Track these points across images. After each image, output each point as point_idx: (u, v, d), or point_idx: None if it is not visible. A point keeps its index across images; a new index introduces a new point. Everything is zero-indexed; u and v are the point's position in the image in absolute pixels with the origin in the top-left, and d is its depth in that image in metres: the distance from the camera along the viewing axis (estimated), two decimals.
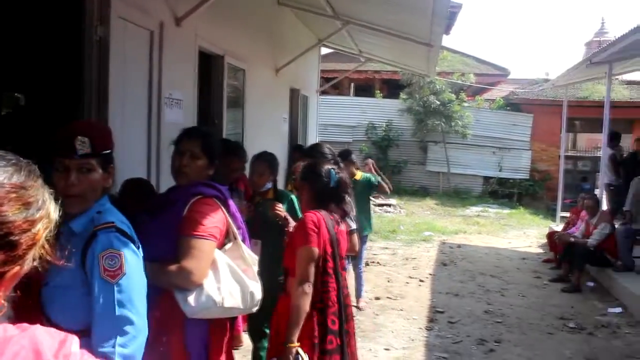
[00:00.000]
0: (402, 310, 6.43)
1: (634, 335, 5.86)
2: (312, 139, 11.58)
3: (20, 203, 0.98)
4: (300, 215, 3.47)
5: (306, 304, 2.77)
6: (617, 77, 16.86)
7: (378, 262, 8.71)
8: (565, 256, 8.11)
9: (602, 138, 9.72)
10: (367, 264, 8.47)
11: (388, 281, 7.65)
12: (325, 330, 2.83)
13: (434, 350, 5.26)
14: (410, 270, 8.31)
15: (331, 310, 2.85)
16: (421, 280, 7.76)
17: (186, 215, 2.42)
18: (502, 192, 17.27)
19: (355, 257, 6.14)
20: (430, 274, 8.16)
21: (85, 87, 3.75)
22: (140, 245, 1.98)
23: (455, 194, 17.04)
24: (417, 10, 6.28)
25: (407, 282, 7.65)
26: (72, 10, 3.92)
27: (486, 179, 17.58)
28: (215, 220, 2.46)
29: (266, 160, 4.30)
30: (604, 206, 9.81)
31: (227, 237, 2.56)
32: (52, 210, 1.05)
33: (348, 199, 3.13)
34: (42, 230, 1.02)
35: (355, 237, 3.75)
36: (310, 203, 3.05)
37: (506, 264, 9.20)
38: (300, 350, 2.71)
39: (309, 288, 2.79)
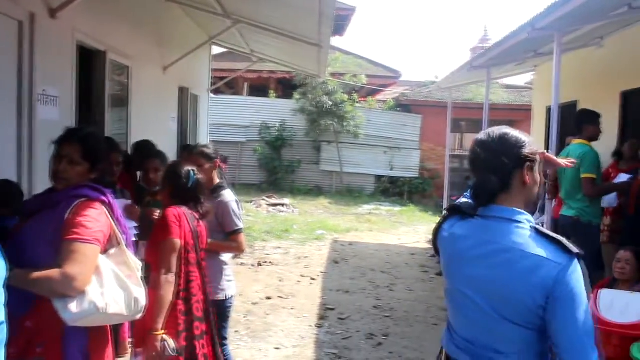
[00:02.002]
0: (293, 309, 6.45)
1: None
2: (203, 138, 11.37)
3: None
4: None
5: (170, 294, 2.95)
6: (497, 80, 17.93)
7: (270, 262, 8.69)
8: None
9: None
10: (259, 264, 8.45)
11: (280, 280, 7.65)
12: (191, 317, 3.04)
13: (324, 347, 5.32)
14: (302, 269, 8.37)
15: (195, 298, 3.07)
16: (313, 279, 7.83)
17: (69, 218, 2.30)
18: (393, 190, 17.85)
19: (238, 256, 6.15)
20: (322, 272, 8.26)
21: None
22: None
23: (349, 193, 17.40)
24: (305, 11, 6.32)
25: (299, 281, 7.69)
26: None
27: (378, 177, 18.09)
28: (100, 224, 2.36)
29: (161, 160, 4.30)
30: None
31: (111, 242, 2.47)
32: None
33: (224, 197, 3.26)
34: None
35: (242, 236, 3.77)
36: (170, 201, 3.22)
37: (396, 259, 9.49)
38: (166, 337, 2.88)
39: (172, 278, 2.97)
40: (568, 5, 5.25)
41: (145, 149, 5.00)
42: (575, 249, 1.76)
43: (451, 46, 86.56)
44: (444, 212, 2.09)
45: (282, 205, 14.51)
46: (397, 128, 18.22)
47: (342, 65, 18.76)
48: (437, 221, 2.06)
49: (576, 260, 1.76)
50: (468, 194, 2.09)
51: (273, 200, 14.80)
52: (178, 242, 3.02)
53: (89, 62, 5.82)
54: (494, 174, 1.86)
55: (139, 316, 2.50)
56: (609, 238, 6.05)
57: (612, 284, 4.06)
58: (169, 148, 8.32)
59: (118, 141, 5.30)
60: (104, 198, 2.44)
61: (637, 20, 7.43)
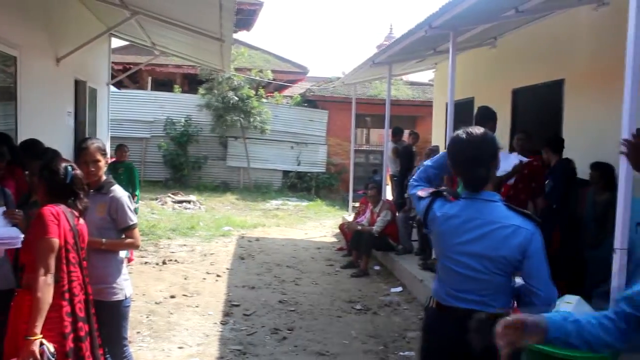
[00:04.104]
0: (197, 306, 6.34)
1: (410, 310, 6.46)
2: (103, 134, 10.94)
3: None
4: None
5: (49, 295, 2.79)
6: (401, 77, 18.45)
7: (175, 260, 8.50)
8: (353, 243, 8.66)
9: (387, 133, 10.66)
10: (164, 263, 8.26)
11: (185, 278, 7.50)
12: (75, 318, 2.92)
13: (229, 344, 5.27)
14: (208, 266, 8.25)
15: (77, 299, 2.96)
16: (218, 276, 7.74)
17: None
18: (301, 186, 17.95)
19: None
20: (228, 269, 8.18)
21: None
22: None
23: (256, 189, 17.33)
24: (206, 4, 6.22)
25: (204, 278, 7.58)
26: None
27: (285, 173, 18.13)
28: None
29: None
30: (390, 196, 10.70)
31: None
32: None
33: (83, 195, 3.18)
34: None
35: (137, 231, 3.66)
36: (47, 198, 3.07)
37: (302, 254, 9.56)
38: (45, 341, 2.72)
39: (51, 279, 2.82)
40: (460, 6, 5.49)
41: (32, 148, 4.68)
42: (537, 219, 2.44)
43: (359, 43, 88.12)
44: (429, 196, 2.61)
45: (189, 202, 14.24)
46: (304, 123, 18.33)
47: (249, 60, 18.63)
48: (425, 204, 2.60)
49: (538, 226, 2.42)
50: (421, 184, 2.75)
51: (179, 197, 14.49)
52: (56, 241, 2.86)
53: None
54: (482, 167, 2.43)
55: None
56: None
57: None
58: (65, 144, 7.95)
59: None
60: None
61: (524, 23, 7.89)
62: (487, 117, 5.67)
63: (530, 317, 1.85)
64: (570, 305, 3.03)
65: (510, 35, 8.62)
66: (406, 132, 12.70)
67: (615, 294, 3.38)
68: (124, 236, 3.61)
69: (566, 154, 6.59)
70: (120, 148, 8.85)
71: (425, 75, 20.74)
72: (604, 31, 6.46)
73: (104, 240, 3.48)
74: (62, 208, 2.99)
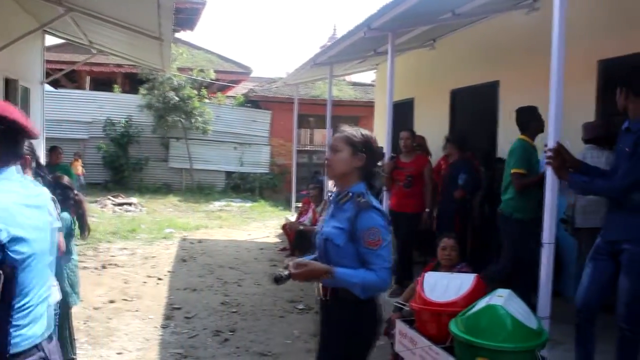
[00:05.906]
0: (137, 311, 6.22)
1: None
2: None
3: None
4: None
5: None
6: (344, 78, 18.60)
7: (116, 264, 8.32)
8: (296, 243, 8.68)
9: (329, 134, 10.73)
10: (103, 267, 8.07)
11: (125, 282, 7.35)
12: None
13: (169, 348, 5.20)
14: (149, 270, 8.10)
15: None
16: (159, 279, 7.62)
17: None
18: (244, 186, 17.87)
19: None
20: (170, 272, 8.05)
21: None
22: None
23: (199, 190, 17.14)
24: (143, 2, 6.11)
25: (145, 282, 7.44)
26: None
27: (229, 174, 18.03)
28: None
29: None
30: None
31: None
32: None
33: None
34: None
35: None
36: None
37: (245, 255, 9.51)
38: None
39: None
40: (398, 8, 5.58)
41: None
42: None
43: (303, 43, 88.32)
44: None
45: (129, 204, 13.95)
46: (246, 124, 18.27)
47: (192, 60, 18.41)
48: None
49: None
50: None
51: (119, 200, 14.18)
52: None
53: None
54: None
55: None
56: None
57: (436, 267, 4.38)
58: None
59: None
60: None
61: (462, 26, 8.10)
62: (524, 118, 5.22)
63: None
64: (501, 299, 3.13)
65: (449, 38, 8.82)
66: None
67: (543, 286, 3.52)
68: None
69: (502, 153, 6.82)
70: (54, 150, 8.58)
71: (368, 76, 21.04)
72: (534, 35, 6.69)
73: None
74: None
